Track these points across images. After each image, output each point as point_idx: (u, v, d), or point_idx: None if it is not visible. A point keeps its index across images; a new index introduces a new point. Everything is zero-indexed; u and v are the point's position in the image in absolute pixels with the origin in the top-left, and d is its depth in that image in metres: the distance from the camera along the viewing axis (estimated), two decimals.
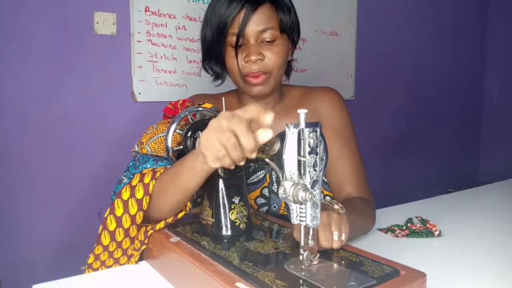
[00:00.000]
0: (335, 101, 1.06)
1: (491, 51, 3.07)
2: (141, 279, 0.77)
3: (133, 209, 0.80)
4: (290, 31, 0.97)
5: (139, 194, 0.80)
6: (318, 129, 0.60)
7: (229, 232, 0.78)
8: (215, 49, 0.96)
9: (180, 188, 0.77)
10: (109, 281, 0.76)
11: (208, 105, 0.96)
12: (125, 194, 0.81)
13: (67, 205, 1.70)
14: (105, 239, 0.81)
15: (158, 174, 0.81)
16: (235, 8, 0.91)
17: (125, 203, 0.81)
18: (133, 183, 0.82)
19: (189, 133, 0.91)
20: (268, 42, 0.93)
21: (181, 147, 0.92)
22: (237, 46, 0.92)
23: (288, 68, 1.05)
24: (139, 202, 0.80)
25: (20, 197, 1.62)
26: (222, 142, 0.62)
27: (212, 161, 0.65)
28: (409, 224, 0.99)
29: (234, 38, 0.92)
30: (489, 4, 3.05)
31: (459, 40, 2.93)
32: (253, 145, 0.61)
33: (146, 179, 0.81)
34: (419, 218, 1.01)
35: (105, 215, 0.81)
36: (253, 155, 0.63)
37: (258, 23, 0.91)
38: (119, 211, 0.81)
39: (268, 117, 0.61)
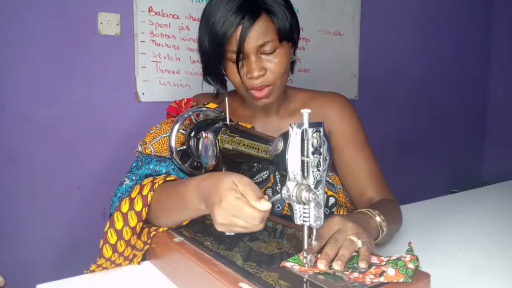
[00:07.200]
0: (344, 108, 1.04)
1: (496, 50, 3.06)
2: (144, 279, 0.77)
3: (132, 221, 0.81)
4: (290, 36, 0.94)
5: (138, 206, 0.81)
6: (321, 129, 0.60)
7: (232, 232, 0.78)
8: (213, 66, 0.95)
9: (181, 220, 0.81)
10: (112, 281, 0.77)
11: (212, 105, 0.96)
12: (124, 207, 0.81)
13: (71, 205, 1.71)
14: (107, 252, 0.81)
15: (156, 185, 0.81)
16: (231, 25, 0.87)
17: (125, 216, 0.81)
18: (133, 195, 0.82)
19: (193, 133, 0.91)
20: (268, 53, 0.90)
21: (185, 147, 0.92)
22: (237, 63, 0.90)
23: (292, 65, 1.02)
24: (138, 214, 0.81)
25: (24, 197, 1.62)
26: (239, 224, 0.65)
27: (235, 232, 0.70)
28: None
29: (233, 55, 0.89)
30: (494, 3, 3.04)
31: (464, 40, 2.92)
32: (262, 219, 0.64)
33: (145, 191, 0.81)
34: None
35: (105, 230, 0.81)
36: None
37: (256, 38, 0.88)
38: (119, 225, 0.81)
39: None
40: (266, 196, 0.64)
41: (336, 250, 0.63)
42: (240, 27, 0.87)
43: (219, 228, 0.66)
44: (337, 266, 0.60)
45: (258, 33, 0.88)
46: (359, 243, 0.64)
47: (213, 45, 0.90)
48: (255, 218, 0.62)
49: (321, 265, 0.61)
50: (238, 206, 0.62)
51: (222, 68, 0.95)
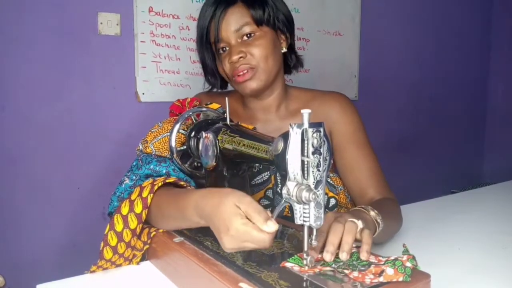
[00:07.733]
0: (345, 107, 1.04)
1: (496, 50, 3.06)
2: (144, 279, 0.77)
3: (132, 223, 0.81)
4: (270, 22, 0.97)
5: (138, 208, 0.81)
6: (321, 129, 0.60)
7: None
8: (203, 62, 1.02)
9: (182, 228, 0.80)
10: (112, 281, 0.77)
11: (215, 106, 0.97)
12: (124, 209, 0.81)
13: (71, 205, 1.71)
14: (108, 254, 0.81)
15: (156, 187, 0.81)
16: (208, 17, 0.95)
17: (125, 218, 0.81)
18: (132, 197, 0.82)
19: (193, 133, 0.91)
20: (248, 38, 0.95)
21: (185, 147, 0.92)
22: (218, 52, 0.97)
23: (290, 60, 1.04)
24: (138, 216, 0.81)
25: (24, 197, 1.62)
26: (249, 247, 0.63)
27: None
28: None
29: (218, 46, 0.96)
30: (494, 3, 3.04)
31: (464, 40, 2.92)
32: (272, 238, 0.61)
33: (145, 193, 0.82)
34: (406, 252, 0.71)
35: (105, 232, 0.81)
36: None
37: (231, 24, 0.93)
38: (119, 227, 0.81)
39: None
40: (269, 212, 0.62)
41: (340, 234, 0.64)
42: (215, 17, 0.94)
43: (228, 251, 0.65)
44: (343, 256, 0.62)
45: (232, 19, 0.94)
46: (359, 224, 0.66)
47: (198, 39, 0.99)
48: (265, 240, 0.60)
49: (327, 255, 0.62)
50: (246, 232, 0.60)
51: (215, 65, 1.01)
